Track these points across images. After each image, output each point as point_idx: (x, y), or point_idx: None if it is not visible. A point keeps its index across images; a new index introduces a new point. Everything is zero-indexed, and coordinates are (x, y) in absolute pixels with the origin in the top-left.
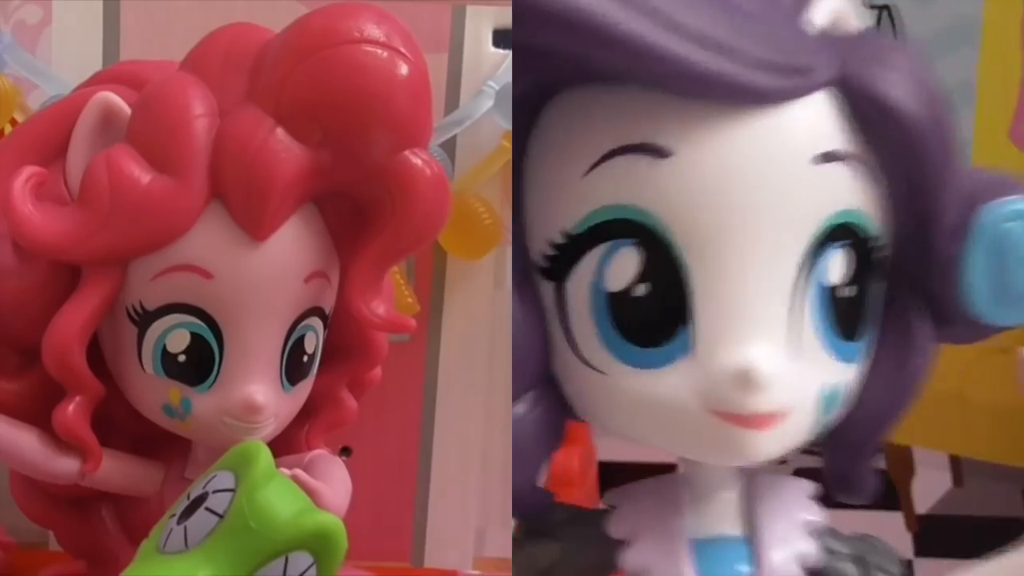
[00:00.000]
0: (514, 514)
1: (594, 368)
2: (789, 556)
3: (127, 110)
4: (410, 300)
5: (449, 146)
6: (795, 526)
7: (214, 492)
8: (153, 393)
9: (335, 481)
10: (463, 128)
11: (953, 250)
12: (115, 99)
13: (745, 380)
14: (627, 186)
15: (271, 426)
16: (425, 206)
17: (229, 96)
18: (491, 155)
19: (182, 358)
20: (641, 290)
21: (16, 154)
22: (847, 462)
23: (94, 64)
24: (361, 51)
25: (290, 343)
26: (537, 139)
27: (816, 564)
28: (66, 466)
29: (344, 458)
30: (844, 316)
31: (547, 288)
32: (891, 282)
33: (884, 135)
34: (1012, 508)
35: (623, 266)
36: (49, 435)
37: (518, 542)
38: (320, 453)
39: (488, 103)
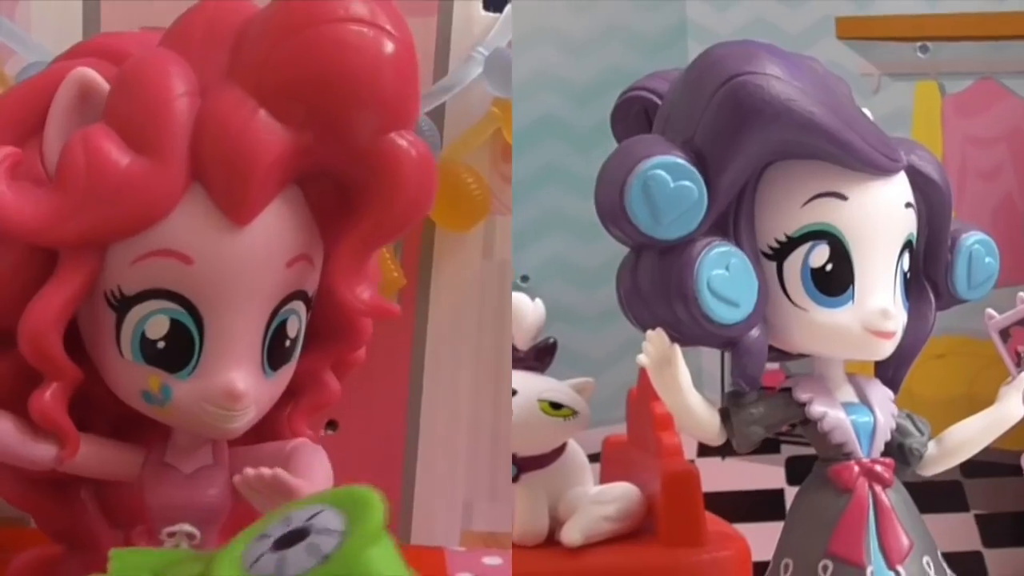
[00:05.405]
0: (737, 385)
1: (799, 307)
2: (886, 414)
3: (105, 86)
4: (396, 274)
5: (438, 114)
6: (885, 401)
7: (318, 531)
8: (131, 379)
9: (316, 473)
10: (452, 95)
11: (949, 258)
12: (92, 75)
13: (886, 313)
14: (824, 213)
15: (251, 413)
16: (410, 189)
17: (210, 73)
18: (480, 122)
19: (161, 344)
20: (829, 267)
21: None
22: (894, 372)
23: (74, 31)
24: (346, 29)
25: (272, 328)
26: (765, 184)
27: (896, 418)
28: (43, 452)
29: (330, 432)
30: (907, 286)
31: (769, 265)
32: (917, 272)
33: (925, 194)
34: None
35: (820, 254)
36: (25, 420)
37: (735, 406)
38: (302, 442)
39: (478, 69)
